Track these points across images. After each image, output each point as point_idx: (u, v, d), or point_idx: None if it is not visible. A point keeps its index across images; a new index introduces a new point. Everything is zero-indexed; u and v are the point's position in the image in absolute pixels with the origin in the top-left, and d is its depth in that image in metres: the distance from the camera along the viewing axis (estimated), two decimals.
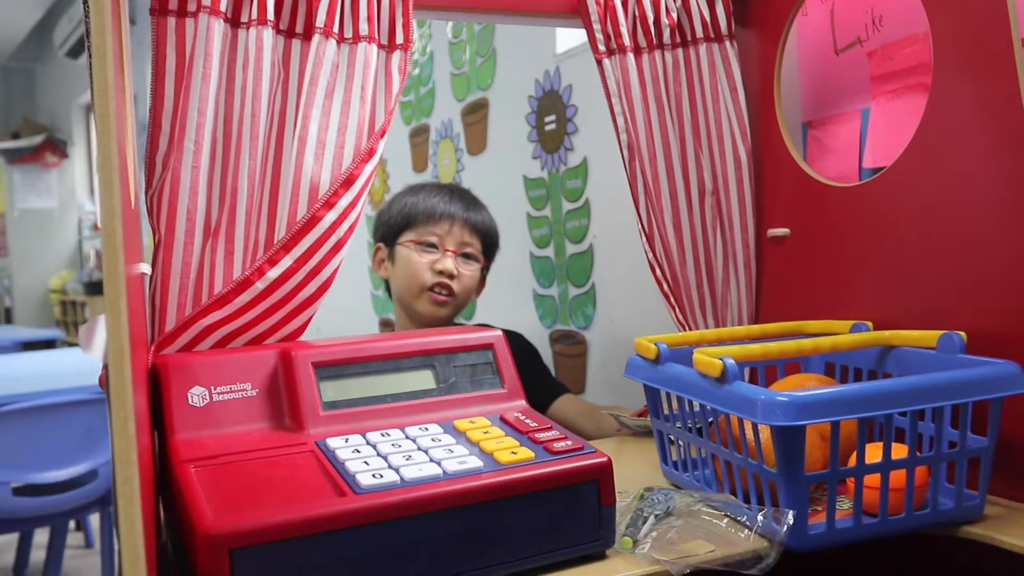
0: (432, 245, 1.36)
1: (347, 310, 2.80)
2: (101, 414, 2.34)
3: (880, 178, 0.96)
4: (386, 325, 2.67)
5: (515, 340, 1.35)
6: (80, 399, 2.30)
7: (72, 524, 3.02)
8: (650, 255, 1.09)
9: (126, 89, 0.74)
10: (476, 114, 2.16)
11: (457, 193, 1.43)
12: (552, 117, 1.84)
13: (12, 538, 2.78)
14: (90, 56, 0.68)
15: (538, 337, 1.90)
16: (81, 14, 5.96)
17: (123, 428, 0.46)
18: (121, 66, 0.69)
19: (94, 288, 6.94)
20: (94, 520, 3.00)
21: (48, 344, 4.93)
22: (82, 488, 2.36)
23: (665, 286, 1.09)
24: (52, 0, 6.81)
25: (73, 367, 3.10)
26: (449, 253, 1.36)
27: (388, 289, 1.51)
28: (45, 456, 2.26)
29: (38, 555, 2.70)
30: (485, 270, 1.45)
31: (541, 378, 1.48)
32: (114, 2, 0.67)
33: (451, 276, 1.35)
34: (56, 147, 7.86)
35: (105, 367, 0.75)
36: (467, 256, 1.39)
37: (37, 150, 7.80)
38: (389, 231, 1.43)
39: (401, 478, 0.66)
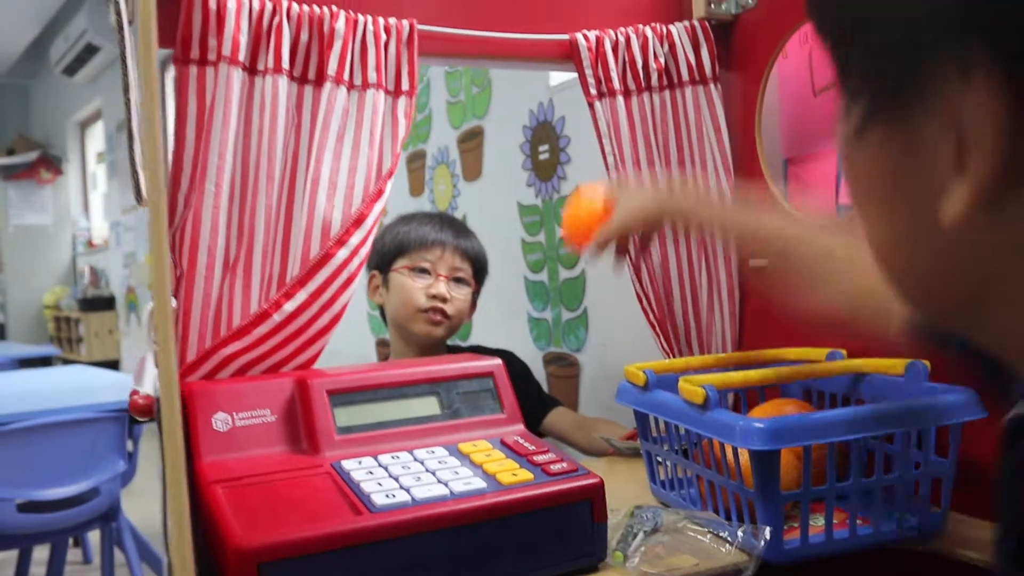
0: (425, 271, 1.43)
1: (346, 330, 2.85)
2: (104, 432, 2.39)
3: (853, 214, 1.02)
4: (383, 345, 2.73)
5: (506, 358, 1.42)
6: (84, 418, 2.35)
7: (70, 540, 3.06)
8: (637, 287, 1.16)
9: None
10: (472, 141, 2.23)
11: (447, 221, 1.50)
12: (546, 147, 1.91)
13: (12, 554, 2.81)
14: (128, 113, 0.74)
15: (532, 359, 1.96)
16: (78, 33, 6.02)
17: (174, 457, 0.52)
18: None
19: (89, 304, 6.97)
20: (93, 537, 3.03)
21: (44, 361, 4.96)
22: (84, 505, 2.40)
23: (651, 316, 1.15)
24: (49, 18, 6.87)
25: (73, 385, 3.14)
26: (442, 278, 1.43)
27: (382, 314, 1.57)
28: (49, 473, 2.31)
29: (37, 571, 2.74)
30: (476, 294, 1.52)
31: (533, 393, 1.54)
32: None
33: (444, 300, 1.42)
34: (51, 164, 7.91)
35: (135, 392, 0.82)
36: (458, 280, 1.46)
37: (32, 166, 7.84)
38: (382, 259, 1.50)
39: (412, 498, 0.72)
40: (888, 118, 0.31)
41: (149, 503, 3.53)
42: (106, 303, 7.02)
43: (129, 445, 2.49)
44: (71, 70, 6.74)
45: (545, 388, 1.68)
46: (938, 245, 0.32)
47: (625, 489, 1.03)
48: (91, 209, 7.94)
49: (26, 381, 3.32)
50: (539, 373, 1.94)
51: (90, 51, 6.26)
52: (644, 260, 1.15)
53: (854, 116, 0.33)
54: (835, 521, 0.81)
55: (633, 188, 0.96)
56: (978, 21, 0.27)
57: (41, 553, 2.73)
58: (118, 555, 2.60)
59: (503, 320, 2.09)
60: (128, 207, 6.35)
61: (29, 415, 2.32)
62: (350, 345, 2.87)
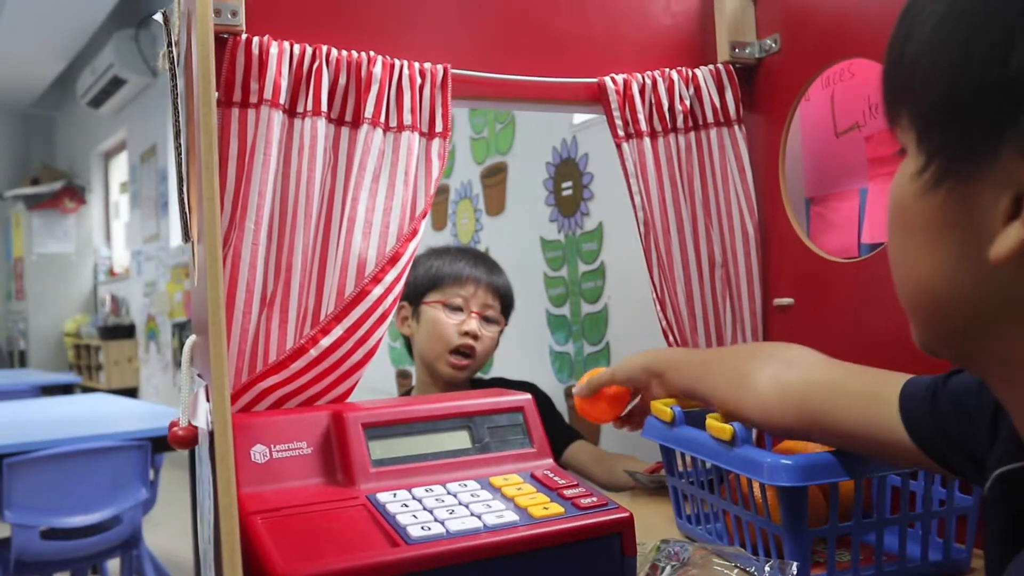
0: (458, 307, 1.46)
1: None
2: (127, 461, 2.42)
3: (878, 254, 1.04)
4: (403, 376, 2.75)
5: (529, 391, 1.44)
6: (107, 446, 2.38)
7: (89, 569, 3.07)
8: (663, 322, 1.18)
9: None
10: (495, 177, 2.26)
11: (480, 257, 1.53)
12: (569, 183, 1.94)
13: None
14: (179, 156, 0.78)
15: (554, 391, 1.98)
16: (104, 66, 6.14)
17: (227, 488, 0.54)
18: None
19: (109, 332, 7.04)
20: (112, 566, 3.05)
21: (66, 389, 5.01)
22: (106, 533, 2.43)
23: None
24: (76, 52, 7.01)
25: (95, 413, 3.18)
26: (474, 315, 1.45)
27: (407, 345, 1.60)
28: (72, 501, 2.34)
29: None
30: (500, 331, 1.54)
31: (554, 425, 1.56)
32: (195, 99, 0.76)
33: (476, 337, 1.44)
34: (75, 193, 8.03)
35: (174, 424, 0.84)
36: (488, 319, 1.49)
37: (56, 196, 7.97)
38: (414, 291, 1.53)
39: (447, 530, 0.74)
40: (957, 177, 0.41)
41: (169, 532, 3.56)
42: (126, 331, 7.09)
43: (150, 474, 2.52)
44: (97, 102, 6.87)
45: (566, 421, 1.70)
46: (975, 275, 0.42)
47: (650, 523, 1.05)
48: (113, 238, 8.05)
49: (49, 409, 3.37)
50: (560, 405, 1.95)
51: (116, 84, 6.39)
52: (671, 297, 1.17)
53: (927, 175, 0.43)
54: (860, 557, 0.82)
55: (627, 359, 1.08)
56: None
57: None
58: None
59: (525, 353, 2.11)
60: (149, 236, 6.43)
61: (53, 443, 2.36)
62: (370, 377, 2.89)
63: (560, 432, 1.55)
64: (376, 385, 2.82)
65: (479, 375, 1.64)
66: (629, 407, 1.13)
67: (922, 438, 0.69)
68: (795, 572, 0.78)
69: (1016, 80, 0.37)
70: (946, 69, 0.41)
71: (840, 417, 0.77)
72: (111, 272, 7.81)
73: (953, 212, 0.42)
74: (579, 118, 1.91)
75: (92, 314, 7.88)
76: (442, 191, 2.56)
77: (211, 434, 0.57)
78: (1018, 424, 0.46)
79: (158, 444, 2.50)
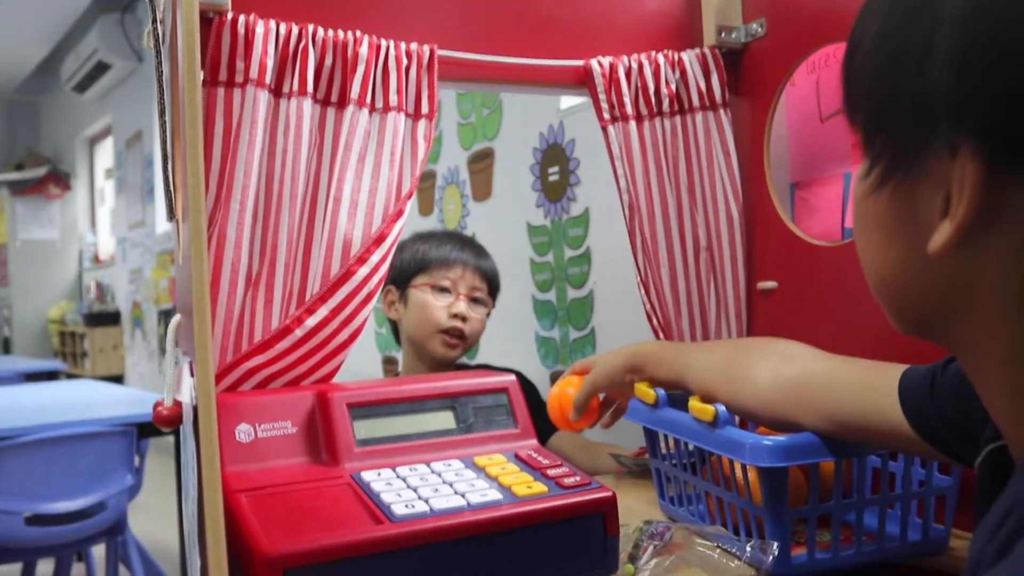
0: (446, 289, 1.46)
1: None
2: (112, 447, 2.41)
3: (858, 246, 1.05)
4: (389, 363, 2.75)
5: None
6: (92, 431, 2.37)
7: (74, 556, 3.06)
8: (647, 305, 1.18)
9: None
10: (482, 162, 2.26)
11: (466, 241, 1.54)
12: (555, 169, 1.94)
13: (15, 569, 2.82)
14: (163, 134, 0.77)
15: (539, 377, 1.98)
16: (89, 51, 6.09)
17: (211, 461, 0.55)
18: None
19: (94, 319, 7.01)
20: (97, 553, 3.04)
21: (50, 375, 4.98)
22: (91, 519, 2.42)
23: (661, 334, 1.18)
24: (60, 37, 6.95)
25: (80, 399, 3.16)
26: (462, 297, 1.46)
27: (394, 330, 1.60)
28: (56, 487, 2.33)
29: None
30: (488, 313, 1.55)
31: (538, 414, 1.56)
32: (179, 78, 0.76)
33: (464, 319, 1.45)
34: (59, 179, 7.98)
35: (159, 404, 0.84)
36: (476, 300, 1.49)
37: (40, 182, 7.91)
38: (401, 275, 1.53)
39: (431, 508, 0.74)
40: (898, 179, 0.45)
41: (154, 518, 3.55)
42: (111, 318, 7.06)
43: (135, 460, 2.51)
44: (81, 87, 6.82)
45: None
46: (921, 268, 0.45)
47: (633, 505, 1.05)
48: (98, 225, 8.00)
49: (33, 395, 3.35)
50: (545, 391, 1.96)
51: (101, 69, 6.34)
52: (655, 281, 1.18)
53: (873, 176, 0.46)
54: (840, 537, 0.83)
55: (602, 356, 1.07)
56: (963, 120, 0.40)
57: (45, 568, 2.74)
58: (122, 572, 2.61)
59: (511, 338, 2.11)
60: (135, 222, 6.40)
61: (37, 428, 2.35)
62: (355, 362, 2.89)
63: (544, 421, 1.55)
64: (362, 371, 2.82)
65: (464, 361, 1.64)
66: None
67: (921, 425, 0.71)
68: (775, 552, 0.79)
69: (933, 90, 0.40)
70: (882, 78, 0.44)
71: (839, 408, 0.78)
72: (96, 259, 7.76)
73: (898, 210, 0.46)
74: (566, 104, 1.91)
75: (77, 301, 7.84)
76: (429, 176, 2.56)
77: (195, 409, 0.57)
78: (984, 401, 0.47)
79: (143, 430, 2.49)
